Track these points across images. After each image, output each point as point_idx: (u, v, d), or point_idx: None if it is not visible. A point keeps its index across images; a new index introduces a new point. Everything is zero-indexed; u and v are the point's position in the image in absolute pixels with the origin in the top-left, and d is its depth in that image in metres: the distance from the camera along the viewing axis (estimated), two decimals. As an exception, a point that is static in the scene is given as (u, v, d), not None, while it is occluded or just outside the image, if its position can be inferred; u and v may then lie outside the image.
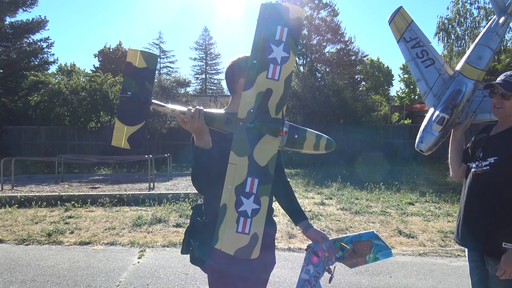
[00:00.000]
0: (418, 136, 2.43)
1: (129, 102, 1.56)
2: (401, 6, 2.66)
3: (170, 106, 1.60)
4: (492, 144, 2.00)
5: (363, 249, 1.87)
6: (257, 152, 1.48)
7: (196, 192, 5.90)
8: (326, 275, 1.91)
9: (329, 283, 1.93)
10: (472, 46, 2.60)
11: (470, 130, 2.32)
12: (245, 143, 1.49)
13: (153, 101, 1.59)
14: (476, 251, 2.04)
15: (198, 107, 1.57)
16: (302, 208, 2.08)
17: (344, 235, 1.97)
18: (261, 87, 1.48)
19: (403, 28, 2.65)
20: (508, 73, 1.99)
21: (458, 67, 2.56)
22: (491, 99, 2.04)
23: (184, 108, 1.57)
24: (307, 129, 1.64)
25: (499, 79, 2.00)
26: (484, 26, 2.67)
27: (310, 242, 1.97)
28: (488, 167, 1.93)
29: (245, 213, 1.43)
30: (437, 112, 2.35)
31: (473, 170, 2.02)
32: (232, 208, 1.43)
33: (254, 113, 1.50)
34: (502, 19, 2.53)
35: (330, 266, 1.90)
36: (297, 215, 2.03)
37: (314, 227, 1.98)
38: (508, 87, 1.94)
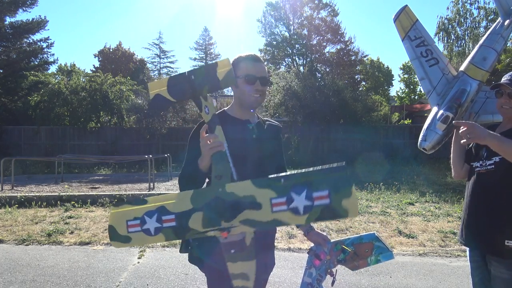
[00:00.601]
0: (421, 134, 2.40)
1: (184, 81, 1.59)
2: (407, 5, 2.64)
3: (208, 116, 1.56)
4: None
5: (364, 251, 1.85)
6: (197, 215, 1.47)
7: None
8: (329, 278, 1.91)
9: (332, 286, 1.92)
10: (476, 47, 2.60)
11: None
12: (204, 199, 1.48)
13: (197, 101, 1.60)
14: (479, 251, 2.03)
15: (224, 143, 1.53)
16: None
17: (346, 237, 1.96)
18: (260, 196, 1.42)
19: (408, 26, 2.64)
20: None
21: (462, 67, 2.56)
22: (498, 99, 2.02)
23: (213, 132, 1.54)
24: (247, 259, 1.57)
25: (505, 79, 1.98)
26: (485, 27, 2.69)
27: (311, 243, 1.97)
28: (492, 166, 1.92)
29: (143, 223, 1.52)
30: (441, 111, 2.34)
31: (477, 169, 2.01)
32: (146, 208, 1.53)
33: (232, 200, 1.45)
34: (507, 22, 2.52)
35: (332, 269, 1.89)
36: None
37: (315, 229, 1.97)
38: None
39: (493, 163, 1.92)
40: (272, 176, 1.44)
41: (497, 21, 2.63)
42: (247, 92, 1.75)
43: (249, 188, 1.44)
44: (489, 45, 2.52)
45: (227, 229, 1.45)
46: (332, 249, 1.89)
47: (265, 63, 1.90)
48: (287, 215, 1.39)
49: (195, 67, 1.62)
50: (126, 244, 1.56)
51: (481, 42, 2.61)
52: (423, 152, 2.48)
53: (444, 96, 2.46)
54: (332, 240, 1.93)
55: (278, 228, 1.97)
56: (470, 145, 2.21)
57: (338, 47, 30.09)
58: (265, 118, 1.96)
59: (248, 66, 1.75)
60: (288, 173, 1.44)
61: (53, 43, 23.63)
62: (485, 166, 1.96)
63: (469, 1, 20.23)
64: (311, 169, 1.39)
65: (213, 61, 1.56)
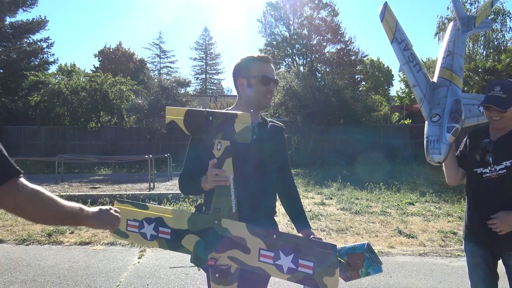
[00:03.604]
0: (430, 147, 2.26)
1: (202, 118, 1.57)
2: (386, 2, 2.45)
3: (219, 152, 1.55)
4: (502, 147, 2.03)
5: (356, 262, 1.84)
6: (190, 237, 1.60)
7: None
8: None
9: None
10: (448, 55, 2.56)
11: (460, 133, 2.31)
12: (200, 225, 1.59)
13: (210, 140, 1.57)
14: (488, 250, 2.09)
15: (230, 176, 1.54)
16: (306, 213, 2.06)
17: (341, 247, 1.94)
18: (250, 242, 1.50)
19: (394, 27, 2.49)
20: (496, 87, 2.00)
21: (447, 76, 2.48)
22: (486, 111, 2.08)
23: (221, 166, 1.55)
24: None
25: (490, 94, 2.02)
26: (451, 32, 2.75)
27: None
28: (504, 171, 1.98)
29: (141, 227, 1.69)
30: (448, 124, 2.26)
31: (486, 175, 2.05)
32: (146, 214, 1.71)
33: (225, 236, 1.54)
34: (468, 32, 2.71)
35: None
36: (298, 222, 2.01)
37: (316, 236, 1.93)
38: (501, 104, 1.96)
39: (505, 168, 1.98)
40: (266, 230, 1.51)
41: (456, 29, 2.69)
42: (261, 93, 1.77)
43: (242, 231, 1.51)
44: (460, 53, 2.56)
45: (215, 259, 1.54)
46: None
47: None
48: (271, 268, 1.47)
49: (214, 110, 1.59)
50: (123, 239, 1.76)
51: (449, 49, 2.60)
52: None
53: (441, 106, 2.36)
54: None
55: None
56: (460, 149, 2.28)
57: (338, 47, 30.07)
58: (268, 119, 1.95)
59: (264, 67, 1.79)
60: (282, 232, 1.50)
61: (53, 43, 23.58)
62: (495, 171, 2.01)
63: (469, 1, 20.25)
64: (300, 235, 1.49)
65: (234, 112, 1.53)
